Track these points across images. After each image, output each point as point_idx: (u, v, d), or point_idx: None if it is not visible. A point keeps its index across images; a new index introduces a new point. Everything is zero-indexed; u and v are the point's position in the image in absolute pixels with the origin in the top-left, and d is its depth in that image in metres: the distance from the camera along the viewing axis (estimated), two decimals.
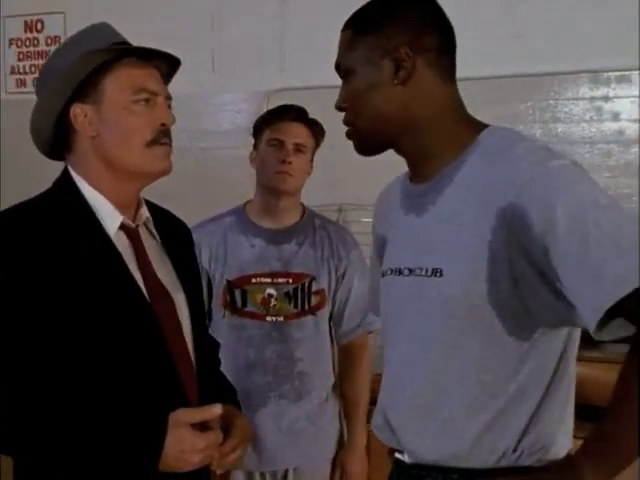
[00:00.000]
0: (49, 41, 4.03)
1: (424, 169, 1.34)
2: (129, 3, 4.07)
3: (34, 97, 1.51)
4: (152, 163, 1.46)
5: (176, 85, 4.32)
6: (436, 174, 1.31)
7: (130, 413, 1.37)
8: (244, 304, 2.20)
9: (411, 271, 1.31)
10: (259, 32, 3.89)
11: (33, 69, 4.04)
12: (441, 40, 1.32)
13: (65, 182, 1.48)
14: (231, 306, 2.20)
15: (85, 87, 1.42)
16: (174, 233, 1.63)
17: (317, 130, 2.24)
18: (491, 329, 1.22)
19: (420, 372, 1.30)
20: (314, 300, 2.22)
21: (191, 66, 3.99)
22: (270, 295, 2.20)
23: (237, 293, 2.20)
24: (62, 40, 4.05)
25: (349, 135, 1.37)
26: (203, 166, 3.93)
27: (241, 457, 1.55)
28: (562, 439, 1.29)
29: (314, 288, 2.22)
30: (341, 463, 2.28)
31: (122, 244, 1.47)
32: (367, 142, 1.36)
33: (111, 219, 1.46)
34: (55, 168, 1.55)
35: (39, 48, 4.05)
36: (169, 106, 1.50)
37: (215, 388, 1.58)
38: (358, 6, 1.37)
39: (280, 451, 2.22)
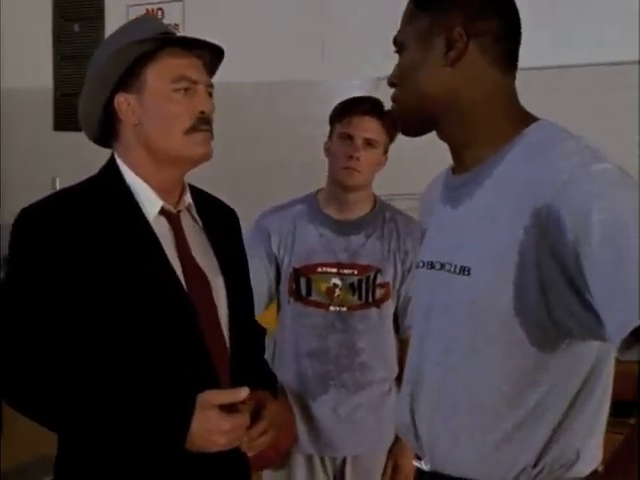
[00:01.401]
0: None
1: (465, 159, 1.30)
2: None
3: None
4: (191, 149, 1.50)
5: (286, 72, 4.40)
6: (476, 165, 1.27)
7: (160, 394, 1.43)
8: (309, 292, 2.23)
9: (442, 266, 1.28)
10: (369, 18, 3.89)
11: None
12: (500, 25, 1.26)
13: (109, 168, 1.54)
14: (296, 293, 2.24)
15: (128, 77, 1.48)
16: (219, 218, 1.66)
17: (391, 123, 2.21)
18: (513, 337, 1.17)
19: (441, 372, 1.27)
20: (379, 293, 2.22)
21: (301, 53, 4.10)
22: (335, 285, 2.21)
23: (302, 281, 2.23)
24: (181, 28, 4.22)
25: (393, 114, 1.36)
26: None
27: (272, 440, 1.56)
28: (590, 454, 1.23)
29: (379, 281, 2.22)
30: (394, 456, 2.28)
31: (162, 228, 1.52)
32: (410, 121, 1.34)
33: (151, 204, 1.51)
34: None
35: None
36: (210, 94, 1.53)
37: (251, 373, 1.60)
38: None
39: (338, 438, 2.25)
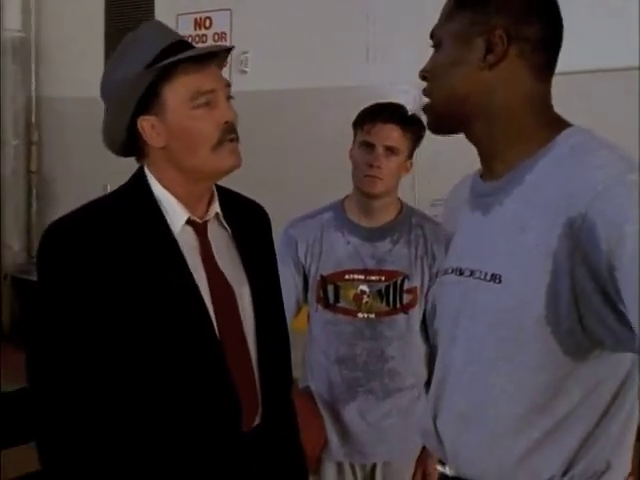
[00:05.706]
0: (216, 37, 4.27)
1: (495, 165, 1.29)
2: None
3: None
4: (221, 163, 1.48)
5: (331, 77, 4.39)
6: (507, 172, 1.26)
7: (172, 415, 1.46)
8: (336, 300, 2.23)
9: (472, 272, 1.27)
10: (414, 22, 3.87)
11: None
12: (542, 33, 1.24)
13: (138, 180, 1.54)
14: (324, 301, 2.25)
15: (147, 99, 1.46)
16: (248, 223, 1.65)
17: (414, 129, 2.19)
18: (544, 346, 1.15)
19: (466, 380, 1.27)
20: (406, 298, 2.22)
21: (345, 57, 4.11)
22: (363, 292, 2.22)
23: (330, 289, 2.24)
24: (228, 36, 4.28)
25: (424, 109, 1.34)
26: None
27: None
28: (619, 465, 1.21)
29: (406, 286, 2.22)
30: (423, 462, 2.28)
31: (188, 239, 1.51)
32: (439, 120, 1.32)
33: (177, 217, 1.51)
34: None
35: (207, 44, 4.29)
36: (229, 96, 1.50)
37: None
38: None
39: (368, 445, 2.26)
